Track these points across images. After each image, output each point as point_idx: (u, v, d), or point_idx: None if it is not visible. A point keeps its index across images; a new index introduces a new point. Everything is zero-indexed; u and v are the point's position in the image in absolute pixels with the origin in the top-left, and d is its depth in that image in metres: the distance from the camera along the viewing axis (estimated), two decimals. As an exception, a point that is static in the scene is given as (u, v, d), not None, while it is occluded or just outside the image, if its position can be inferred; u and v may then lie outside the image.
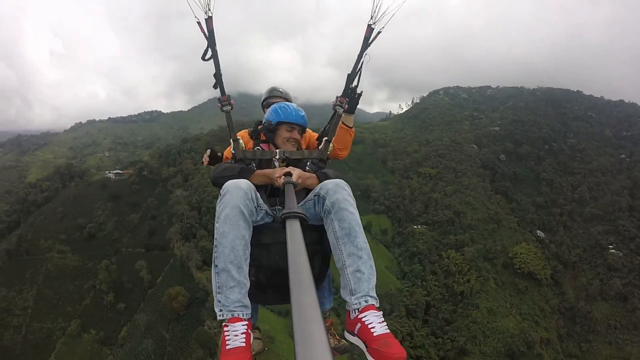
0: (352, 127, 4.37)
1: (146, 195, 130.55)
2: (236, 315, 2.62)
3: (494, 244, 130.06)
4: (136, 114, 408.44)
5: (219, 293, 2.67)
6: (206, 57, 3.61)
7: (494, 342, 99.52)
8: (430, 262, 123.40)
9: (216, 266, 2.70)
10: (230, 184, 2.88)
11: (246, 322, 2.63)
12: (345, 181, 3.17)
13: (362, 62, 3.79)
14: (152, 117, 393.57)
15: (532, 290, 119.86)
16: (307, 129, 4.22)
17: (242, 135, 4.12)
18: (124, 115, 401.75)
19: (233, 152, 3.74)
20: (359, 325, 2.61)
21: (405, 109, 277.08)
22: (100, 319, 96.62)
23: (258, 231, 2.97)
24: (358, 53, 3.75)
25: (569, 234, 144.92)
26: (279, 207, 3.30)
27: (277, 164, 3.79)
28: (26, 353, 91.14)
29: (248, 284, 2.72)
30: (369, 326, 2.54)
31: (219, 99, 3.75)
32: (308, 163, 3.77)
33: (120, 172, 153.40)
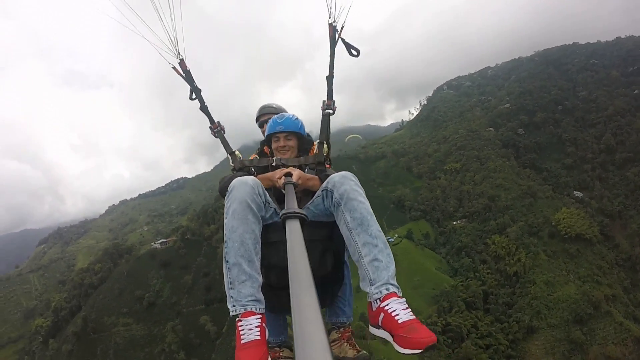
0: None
1: (194, 256, 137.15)
2: (249, 309, 2.60)
3: (535, 218, 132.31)
4: (164, 184, 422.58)
5: (231, 288, 2.68)
6: (192, 97, 4.13)
7: (559, 312, 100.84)
8: (478, 252, 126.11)
9: (227, 261, 2.72)
10: (236, 180, 2.93)
11: (260, 316, 2.60)
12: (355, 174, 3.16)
13: (335, 59, 3.98)
14: (179, 185, 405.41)
15: (585, 252, 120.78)
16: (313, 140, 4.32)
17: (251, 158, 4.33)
18: (153, 189, 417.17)
19: (232, 165, 3.99)
20: (382, 315, 2.53)
21: (415, 113, 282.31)
22: None
23: (266, 230, 3.03)
24: (329, 53, 3.96)
25: (606, 185, 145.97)
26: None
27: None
28: None
29: (260, 279, 2.74)
30: (393, 314, 2.46)
31: (210, 127, 4.13)
32: (306, 169, 3.81)
33: (164, 240, 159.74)
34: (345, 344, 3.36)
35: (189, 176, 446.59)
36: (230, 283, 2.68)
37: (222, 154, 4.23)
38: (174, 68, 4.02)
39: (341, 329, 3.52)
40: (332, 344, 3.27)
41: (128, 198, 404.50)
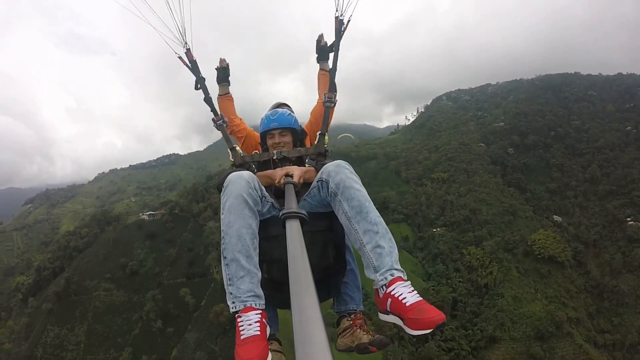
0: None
1: (180, 231, 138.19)
2: (249, 305, 2.57)
3: (512, 235, 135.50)
4: (155, 158, 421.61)
5: (230, 285, 2.64)
6: (198, 87, 4.16)
7: (522, 327, 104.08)
8: (453, 260, 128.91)
9: (225, 257, 2.69)
10: (232, 175, 2.91)
11: (260, 312, 2.58)
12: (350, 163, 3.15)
13: (339, 52, 4.07)
14: (171, 160, 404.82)
15: (556, 274, 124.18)
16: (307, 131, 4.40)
17: (255, 135, 4.50)
18: (144, 162, 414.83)
19: (232, 160, 3.96)
20: (389, 300, 2.52)
21: (411, 119, 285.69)
22: (150, 345, 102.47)
23: (266, 224, 3.03)
24: (334, 46, 4.08)
25: (585, 214, 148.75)
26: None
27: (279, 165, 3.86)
28: None
29: (259, 274, 2.71)
30: (400, 298, 2.46)
31: (212, 119, 4.14)
32: (307, 160, 3.83)
33: (153, 213, 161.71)
34: (359, 330, 3.32)
35: (181, 153, 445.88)
36: (229, 279, 2.66)
37: (217, 135, 4.33)
38: (180, 58, 4.09)
39: (352, 316, 3.51)
40: (343, 333, 3.39)
41: (118, 167, 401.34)
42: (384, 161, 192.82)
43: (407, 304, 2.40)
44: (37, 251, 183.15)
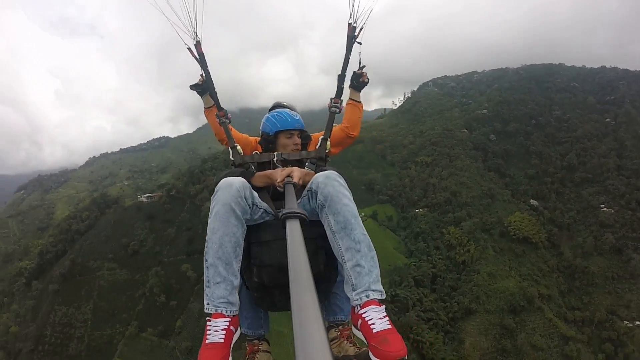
0: (360, 102, 4.40)
1: (178, 212, 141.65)
2: (219, 312, 2.65)
3: (489, 217, 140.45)
4: (145, 142, 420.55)
5: (207, 287, 2.72)
6: (193, 86, 4.20)
7: (496, 300, 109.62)
8: (433, 239, 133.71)
9: (206, 260, 2.75)
10: (222, 182, 2.89)
11: (229, 319, 2.65)
12: (342, 174, 3.07)
13: (350, 58, 3.97)
14: (161, 143, 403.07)
15: (530, 254, 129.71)
16: (311, 135, 4.28)
17: (252, 141, 4.30)
18: (134, 145, 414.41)
19: (232, 159, 3.90)
20: (360, 321, 2.57)
21: (398, 104, 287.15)
22: (154, 318, 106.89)
23: (257, 229, 3.03)
24: (345, 52, 3.95)
25: (561, 199, 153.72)
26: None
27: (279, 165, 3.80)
28: (91, 358, 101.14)
29: (237, 282, 2.77)
30: (369, 322, 2.50)
31: (217, 114, 4.06)
32: (307, 163, 3.81)
33: (151, 195, 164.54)
34: (346, 342, 3.35)
35: (171, 136, 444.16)
36: (207, 282, 2.75)
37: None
38: (189, 49, 4.01)
39: (340, 327, 3.53)
40: (331, 343, 3.33)
41: (109, 152, 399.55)
42: (370, 144, 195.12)
43: (374, 331, 2.45)
44: (33, 237, 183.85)
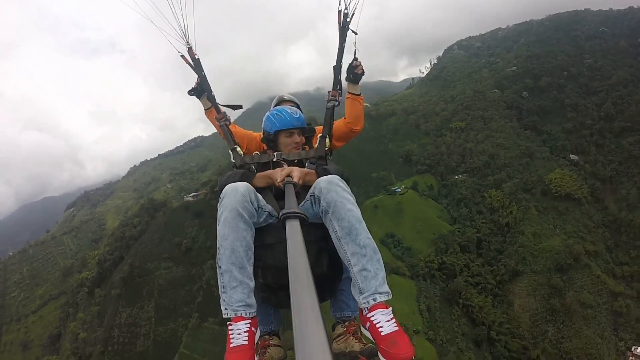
0: (360, 94, 4.18)
1: None
2: (239, 315, 2.68)
3: (529, 176, 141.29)
4: (182, 144, 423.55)
5: (223, 292, 2.74)
6: (191, 92, 4.17)
7: (542, 260, 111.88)
8: (475, 203, 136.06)
9: (220, 267, 2.78)
10: (228, 187, 2.99)
11: (249, 321, 2.70)
12: (343, 174, 3.19)
13: (345, 47, 3.89)
14: (197, 143, 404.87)
15: (573, 210, 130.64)
16: (315, 127, 4.25)
17: (256, 136, 4.35)
18: (171, 149, 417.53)
19: (233, 161, 3.88)
20: (368, 324, 2.66)
21: (425, 72, 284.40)
22: (215, 308, 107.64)
23: (262, 232, 3.06)
24: (338, 42, 3.86)
25: (601, 152, 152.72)
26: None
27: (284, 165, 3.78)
28: (158, 352, 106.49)
29: (252, 284, 2.80)
30: (377, 325, 2.57)
31: (216, 117, 4.12)
32: (307, 163, 3.75)
33: (196, 194, 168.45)
34: (351, 337, 3.30)
35: (205, 135, 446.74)
36: (223, 287, 2.76)
37: (237, 111, 4.51)
38: (182, 56, 4.02)
39: (346, 323, 3.50)
40: (337, 339, 3.40)
41: (148, 159, 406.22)
42: (402, 116, 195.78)
43: (382, 334, 2.54)
44: (88, 249, 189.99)
